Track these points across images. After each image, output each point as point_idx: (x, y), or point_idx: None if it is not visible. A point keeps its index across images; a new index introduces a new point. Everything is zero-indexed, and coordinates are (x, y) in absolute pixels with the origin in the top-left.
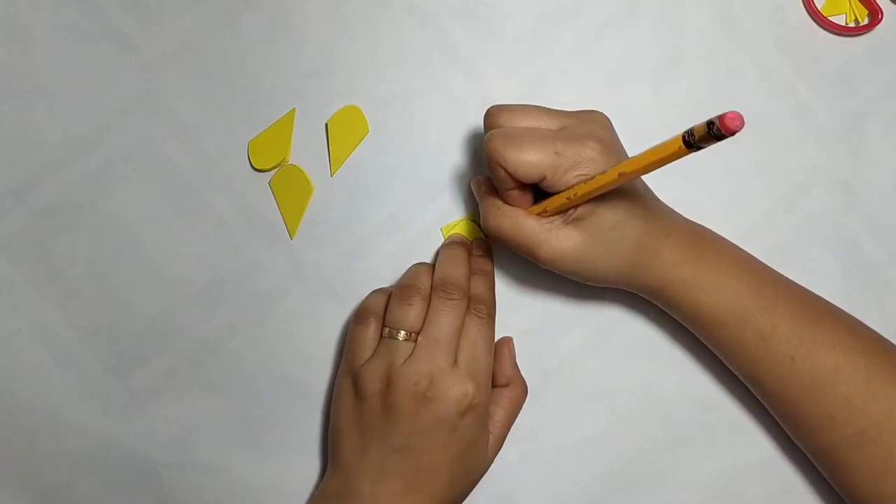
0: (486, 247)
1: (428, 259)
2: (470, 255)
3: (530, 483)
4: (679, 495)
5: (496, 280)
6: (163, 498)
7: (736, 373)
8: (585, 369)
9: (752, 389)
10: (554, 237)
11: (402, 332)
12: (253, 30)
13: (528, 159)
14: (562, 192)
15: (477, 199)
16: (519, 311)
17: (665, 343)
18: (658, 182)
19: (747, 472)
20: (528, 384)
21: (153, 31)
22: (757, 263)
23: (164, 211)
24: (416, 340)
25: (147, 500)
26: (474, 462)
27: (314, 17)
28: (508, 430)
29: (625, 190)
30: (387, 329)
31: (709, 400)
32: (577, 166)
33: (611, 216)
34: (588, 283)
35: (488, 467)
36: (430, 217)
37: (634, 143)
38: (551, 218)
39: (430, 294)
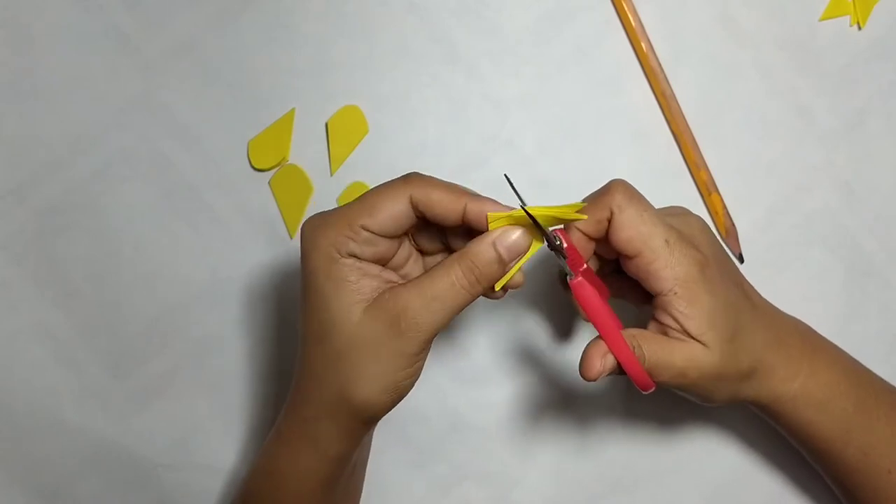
0: None
1: None
2: None
3: (530, 483)
4: (679, 495)
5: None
6: (162, 498)
7: (823, 475)
8: None
9: (836, 491)
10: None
11: None
12: (253, 29)
13: None
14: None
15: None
16: (519, 312)
17: None
18: (659, 183)
19: (747, 472)
20: (528, 384)
21: (153, 30)
22: (860, 370)
23: (164, 211)
24: None
25: (147, 500)
26: None
27: (314, 16)
28: None
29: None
30: None
31: None
32: None
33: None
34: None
35: None
36: None
37: (635, 144)
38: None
39: None
